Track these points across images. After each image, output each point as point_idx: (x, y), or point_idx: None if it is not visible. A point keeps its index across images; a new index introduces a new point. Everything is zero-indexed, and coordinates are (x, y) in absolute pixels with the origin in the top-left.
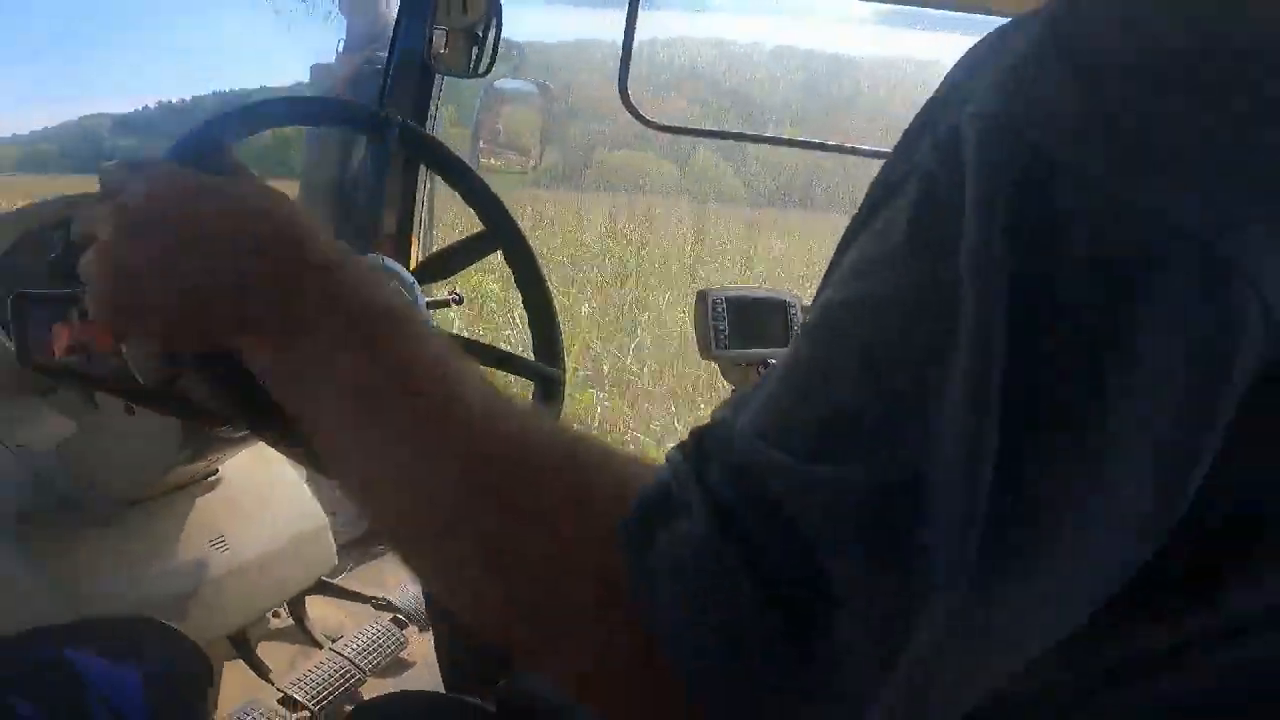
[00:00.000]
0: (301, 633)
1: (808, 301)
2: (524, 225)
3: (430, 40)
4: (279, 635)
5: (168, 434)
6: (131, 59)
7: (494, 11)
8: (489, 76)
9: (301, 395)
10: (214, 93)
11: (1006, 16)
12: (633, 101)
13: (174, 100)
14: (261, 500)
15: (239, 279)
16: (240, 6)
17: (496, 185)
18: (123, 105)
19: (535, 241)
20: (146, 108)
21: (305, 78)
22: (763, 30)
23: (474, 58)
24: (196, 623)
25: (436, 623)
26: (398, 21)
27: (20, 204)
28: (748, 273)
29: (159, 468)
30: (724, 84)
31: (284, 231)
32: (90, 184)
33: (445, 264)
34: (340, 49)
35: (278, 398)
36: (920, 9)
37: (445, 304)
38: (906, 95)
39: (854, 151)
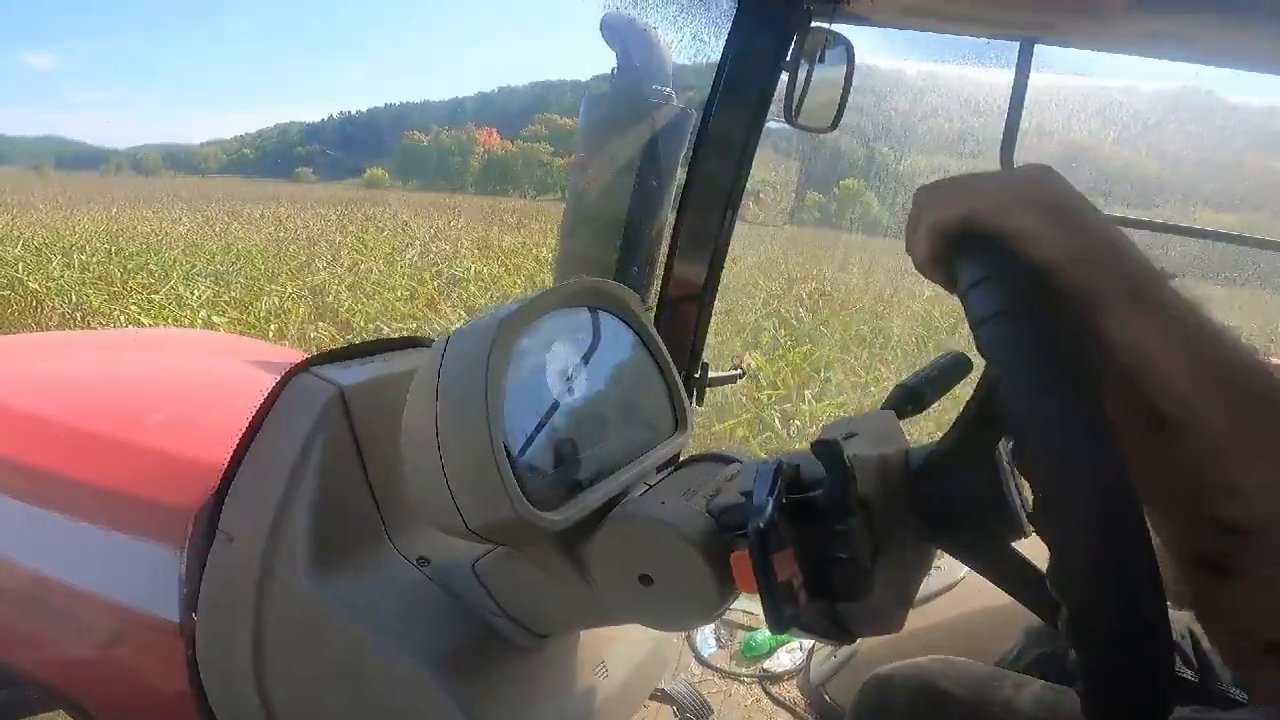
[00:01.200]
0: None
1: None
2: None
3: (792, 93)
4: None
5: None
6: (323, 70)
7: (850, 70)
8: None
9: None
10: (386, 105)
11: None
12: None
13: (353, 112)
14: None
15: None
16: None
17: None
18: (312, 114)
19: None
20: (331, 118)
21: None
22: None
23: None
24: None
25: None
26: (724, 69)
27: (231, 204)
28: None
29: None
30: (1111, 161)
31: None
32: (289, 189)
33: (921, 398)
34: (614, 76)
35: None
36: None
37: (731, 379)
38: None
39: None
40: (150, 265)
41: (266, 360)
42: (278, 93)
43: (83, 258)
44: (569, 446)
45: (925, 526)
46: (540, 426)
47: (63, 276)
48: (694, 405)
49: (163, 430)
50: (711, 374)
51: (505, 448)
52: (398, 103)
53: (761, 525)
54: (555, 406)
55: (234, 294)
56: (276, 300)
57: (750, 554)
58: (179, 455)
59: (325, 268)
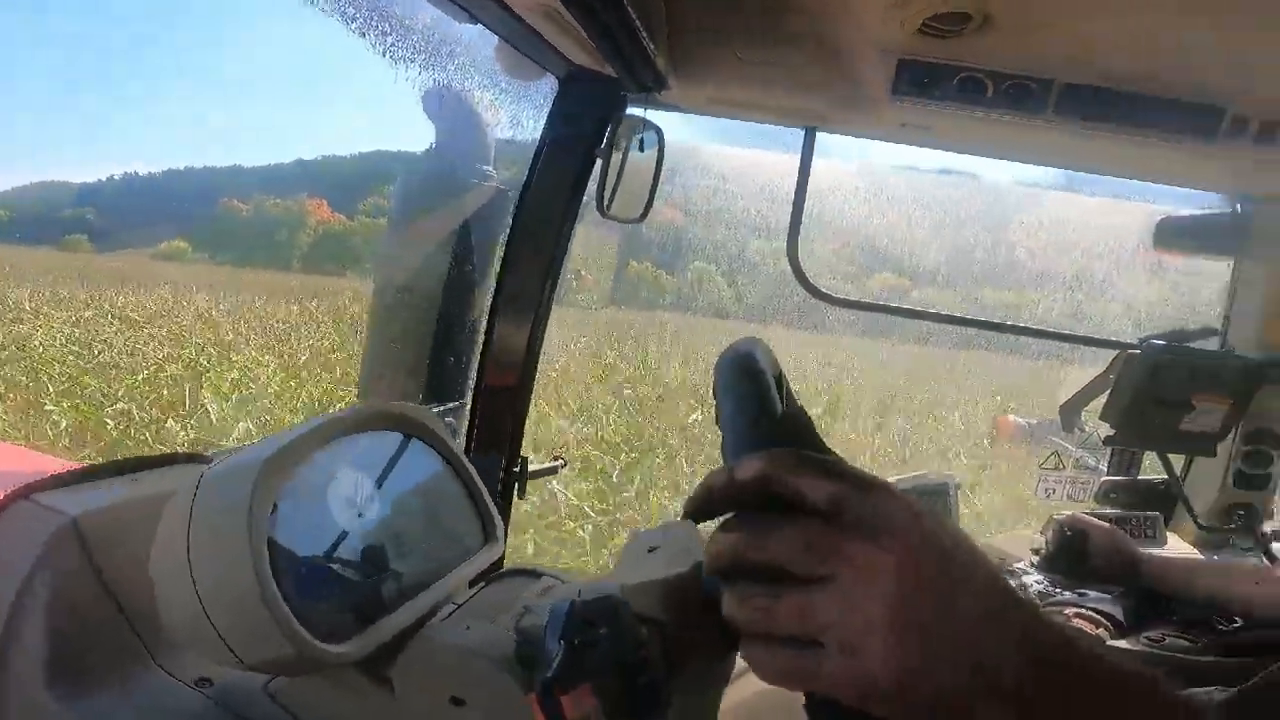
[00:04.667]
0: None
1: (960, 478)
2: None
3: (604, 181)
4: None
5: None
6: (101, 127)
7: (660, 158)
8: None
9: None
10: (185, 168)
11: (1197, 189)
12: (804, 272)
13: (140, 172)
14: None
15: (1002, 638)
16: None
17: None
18: (84, 173)
19: None
20: (110, 178)
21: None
22: (916, 190)
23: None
24: None
25: None
26: (541, 153)
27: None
28: None
29: None
30: (877, 243)
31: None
32: (51, 258)
33: None
34: (432, 152)
35: None
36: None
37: (552, 470)
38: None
39: (1036, 333)
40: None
41: None
42: (34, 146)
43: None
44: (360, 574)
45: (720, 634)
46: (324, 558)
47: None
48: (516, 499)
49: None
50: (532, 466)
51: (279, 585)
52: (198, 166)
53: (548, 676)
54: (343, 535)
55: None
56: None
57: (537, 703)
58: None
59: None
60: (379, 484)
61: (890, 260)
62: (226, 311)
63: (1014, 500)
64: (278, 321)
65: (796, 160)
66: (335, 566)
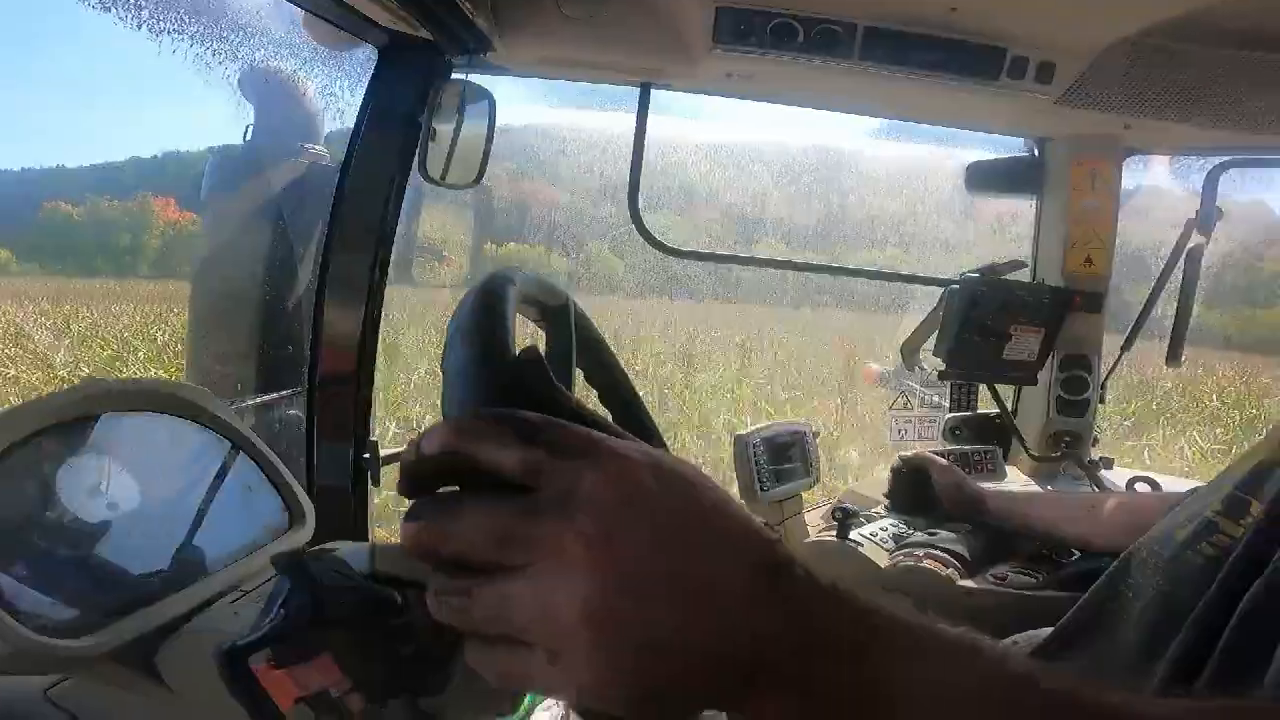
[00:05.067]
0: None
1: (817, 426)
2: None
3: (425, 150)
4: None
5: None
6: None
7: (491, 123)
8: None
9: None
10: (24, 169)
11: (997, 132)
12: (646, 225)
13: None
14: None
15: (753, 613)
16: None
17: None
18: None
19: None
20: None
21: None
22: (755, 141)
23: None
24: None
25: None
26: (363, 123)
27: None
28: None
29: None
30: (721, 198)
31: (764, 542)
32: None
33: None
34: (248, 136)
35: None
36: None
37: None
38: (895, 209)
39: (866, 274)
40: None
41: None
42: None
43: None
44: (110, 565)
45: None
46: (61, 550)
47: None
48: (374, 487)
49: None
50: (386, 450)
51: None
52: (14, 169)
53: (238, 644)
54: (88, 526)
55: None
56: None
57: (221, 675)
58: None
59: None
60: (141, 470)
61: (770, 227)
62: (92, 324)
63: (876, 445)
64: (157, 330)
65: (686, 123)
66: (75, 558)
